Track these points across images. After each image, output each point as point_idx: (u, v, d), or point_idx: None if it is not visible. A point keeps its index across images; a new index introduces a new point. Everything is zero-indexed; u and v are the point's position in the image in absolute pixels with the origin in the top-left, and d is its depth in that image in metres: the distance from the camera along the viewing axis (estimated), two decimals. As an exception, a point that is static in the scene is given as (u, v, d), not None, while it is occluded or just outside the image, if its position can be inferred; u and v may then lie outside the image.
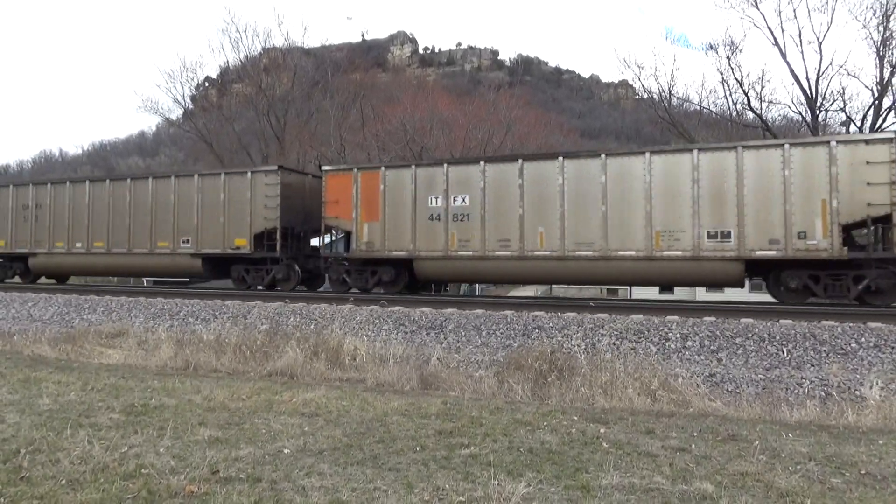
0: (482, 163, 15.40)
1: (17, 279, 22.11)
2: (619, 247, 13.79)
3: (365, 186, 16.46)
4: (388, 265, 16.40)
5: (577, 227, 14.17)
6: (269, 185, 17.62)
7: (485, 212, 15.10)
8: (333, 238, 18.61)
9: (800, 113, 27.57)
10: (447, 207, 15.46)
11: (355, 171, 16.71)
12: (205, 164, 43.85)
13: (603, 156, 14.18)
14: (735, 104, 28.81)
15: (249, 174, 18.09)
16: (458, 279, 18.59)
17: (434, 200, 15.66)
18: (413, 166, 16.12)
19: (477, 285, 31.08)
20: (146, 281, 33.19)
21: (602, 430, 5.72)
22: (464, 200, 15.38)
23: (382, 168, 16.63)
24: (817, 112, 26.40)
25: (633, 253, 13.67)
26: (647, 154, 13.77)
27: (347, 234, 16.94)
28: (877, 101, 25.28)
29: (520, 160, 14.99)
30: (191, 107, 47.79)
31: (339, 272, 16.98)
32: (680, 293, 29.68)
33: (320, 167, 18.11)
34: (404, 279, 16.52)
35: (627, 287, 30.32)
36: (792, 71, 27.33)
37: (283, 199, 17.51)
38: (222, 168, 19.03)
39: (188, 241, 18.54)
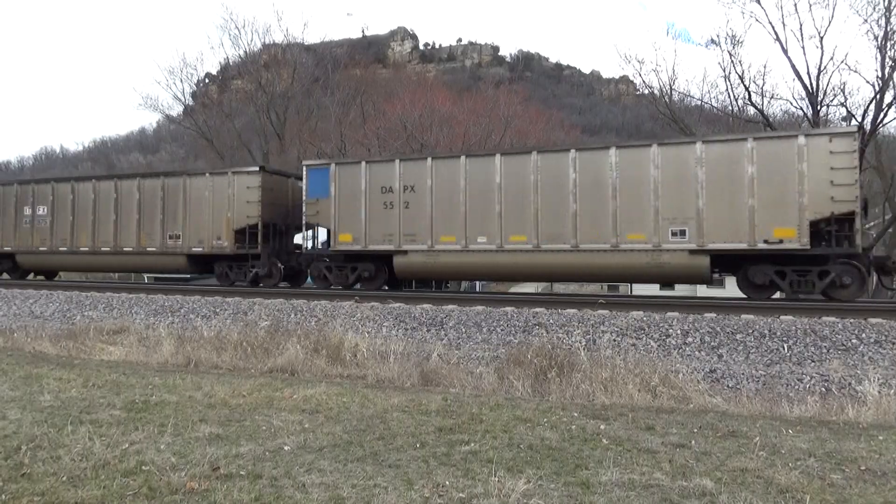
0: None
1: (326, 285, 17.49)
2: None
3: None
4: None
5: None
6: (837, 154, 12.66)
7: None
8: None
9: (801, 108, 27.54)
10: None
11: None
12: (206, 160, 43.84)
13: None
14: (736, 99, 28.81)
15: (803, 139, 12.94)
16: None
17: None
18: None
19: (477, 282, 30.89)
20: (147, 277, 33.11)
21: (602, 427, 5.73)
22: None
23: None
24: (818, 107, 26.36)
25: None
26: None
27: None
28: (878, 97, 25.23)
29: None
30: (191, 103, 47.81)
31: None
32: (680, 289, 29.67)
33: None
34: None
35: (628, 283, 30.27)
36: (793, 66, 27.28)
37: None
38: (749, 133, 14.20)
39: (682, 232, 13.72)
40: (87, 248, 20.39)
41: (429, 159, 16.25)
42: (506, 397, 7.33)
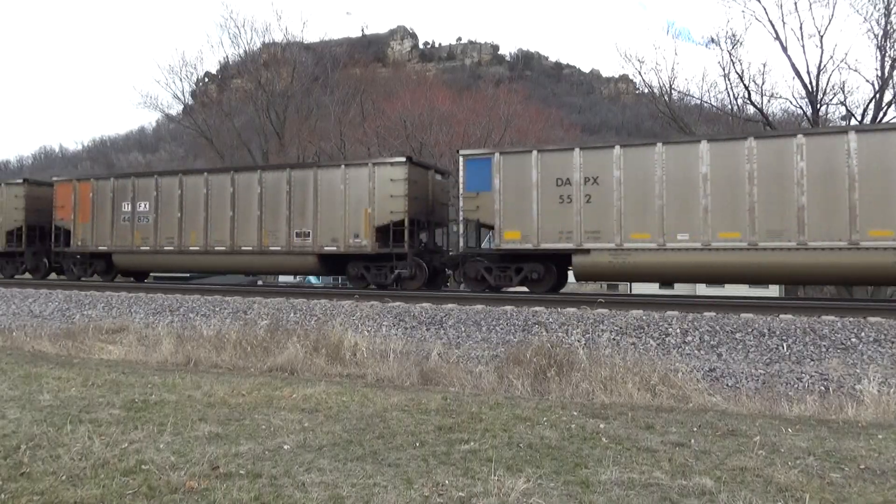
0: None
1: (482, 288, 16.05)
2: None
3: None
4: None
5: None
6: None
7: None
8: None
9: (800, 107, 27.61)
10: None
11: None
12: (205, 160, 43.83)
13: None
14: (736, 98, 28.90)
15: None
16: None
17: None
18: None
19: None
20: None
21: (602, 426, 5.73)
22: None
23: None
24: (818, 106, 26.40)
25: None
26: None
27: None
28: (877, 96, 25.28)
29: None
30: (191, 102, 47.79)
31: None
32: (680, 288, 29.67)
33: None
34: None
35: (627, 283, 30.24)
36: (793, 65, 27.40)
37: None
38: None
39: None
40: (197, 248, 18.88)
41: (616, 147, 14.50)
42: (505, 396, 7.33)
